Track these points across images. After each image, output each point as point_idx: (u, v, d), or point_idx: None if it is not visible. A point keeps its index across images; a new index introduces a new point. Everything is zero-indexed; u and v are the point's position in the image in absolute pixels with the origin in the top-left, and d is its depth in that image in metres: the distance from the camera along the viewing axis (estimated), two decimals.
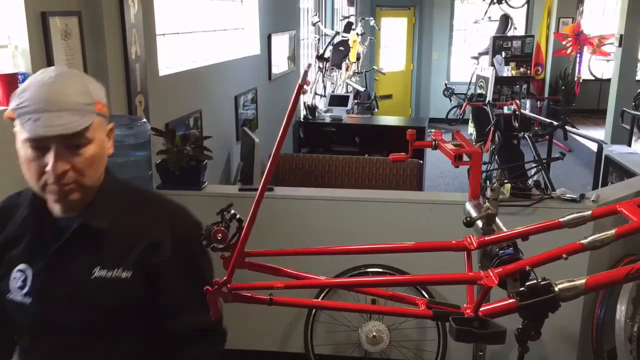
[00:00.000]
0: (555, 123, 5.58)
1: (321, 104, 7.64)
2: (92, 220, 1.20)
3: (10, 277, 1.23)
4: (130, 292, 1.17)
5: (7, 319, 1.25)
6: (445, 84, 11.14)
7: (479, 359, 2.30)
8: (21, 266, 1.22)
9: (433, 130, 2.60)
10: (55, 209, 1.19)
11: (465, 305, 0.91)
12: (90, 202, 1.21)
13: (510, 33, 10.71)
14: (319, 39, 8.11)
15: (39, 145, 1.12)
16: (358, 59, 8.56)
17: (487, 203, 1.76)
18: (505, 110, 6.76)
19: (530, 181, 3.78)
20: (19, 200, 1.30)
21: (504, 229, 1.33)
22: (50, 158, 1.12)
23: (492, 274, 0.86)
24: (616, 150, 4.44)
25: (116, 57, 2.71)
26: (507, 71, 10.31)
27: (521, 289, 0.82)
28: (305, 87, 0.86)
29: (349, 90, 8.54)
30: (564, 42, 9.74)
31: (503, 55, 10.23)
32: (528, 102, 10.08)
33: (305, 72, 0.86)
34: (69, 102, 1.12)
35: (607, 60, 10.29)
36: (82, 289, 1.19)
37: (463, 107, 7.01)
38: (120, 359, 1.24)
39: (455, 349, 2.99)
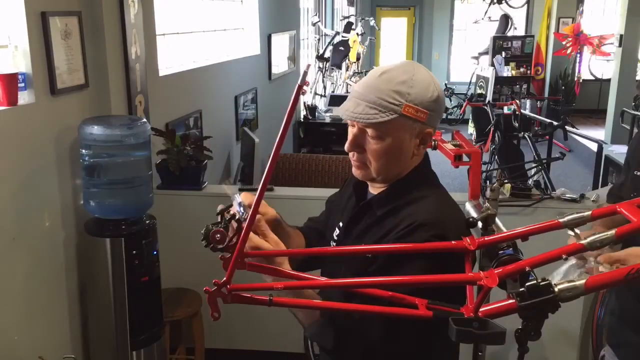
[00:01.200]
0: (555, 123, 5.58)
1: (321, 104, 7.64)
2: (375, 204, 1.34)
3: (335, 227, 1.46)
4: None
5: None
6: (445, 84, 11.13)
7: (479, 359, 2.29)
8: (340, 222, 1.45)
9: None
10: (355, 173, 1.37)
11: (465, 305, 0.91)
12: (387, 188, 1.34)
13: (510, 33, 10.71)
14: (319, 39, 8.11)
15: (351, 122, 1.29)
16: (358, 59, 8.56)
17: (487, 203, 1.76)
18: (505, 110, 6.76)
19: (530, 181, 3.78)
20: None
21: (504, 229, 1.33)
22: (350, 134, 1.29)
23: (491, 275, 0.86)
24: (616, 150, 4.45)
25: (116, 57, 2.71)
26: (507, 71, 10.31)
27: (521, 289, 0.82)
28: (304, 87, 0.86)
29: (349, 90, 8.54)
30: (564, 42, 9.74)
31: (503, 55, 10.23)
32: (528, 102, 10.07)
33: (305, 73, 0.85)
34: (374, 97, 1.22)
35: (607, 60, 10.29)
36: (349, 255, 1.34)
37: (463, 107, 7.02)
38: None
39: None
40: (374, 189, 1.38)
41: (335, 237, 1.45)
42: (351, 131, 1.29)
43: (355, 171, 1.35)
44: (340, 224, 1.45)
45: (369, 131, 1.25)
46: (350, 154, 1.33)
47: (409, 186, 1.32)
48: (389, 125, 1.23)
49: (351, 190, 1.45)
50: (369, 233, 1.32)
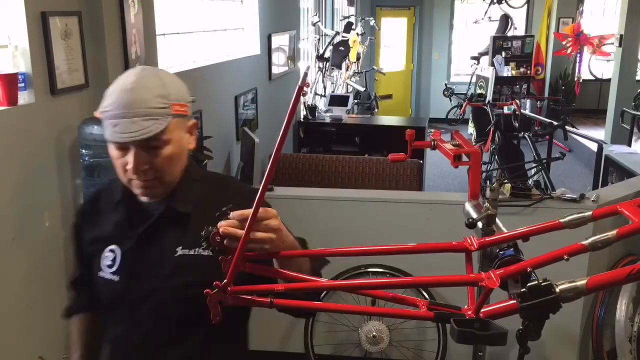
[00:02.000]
0: (555, 123, 5.58)
1: (321, 104, 7.63)
2: (177, 205, 1.32)
3: (101, 256, 1.36)
4: (209, 268, 1.13)
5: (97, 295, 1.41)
6: (445, 84, 11.13)
7: (479, 359, 2.30)
8: (112, 247, 1.35)
9: (432, 130, 2.60)
10: (142, 198, 1.33)
11: (466, 306, 0.91)
12: (174, 188, 1.33)
13: (510, 33, 10.70)
14: (319, 39, 8.10)
15: (121, 146, 1.25)
16: (358, 59, 8.56)
17: (486, 203, 1.75)
18: (505, 110, 6.76)
19: (530, 181, 3.78)
20: (113, 186, 1.42)
21: (504, 229, 1.33)
22: (130, 158, 1.24)
23: (493, 276, 0.85)
24: (616, 150, 4.45)
25: (116, 57, 2.70)
26: (507, 71, 10.30)
27: (522, 290, 0.82)
28: (305, 88, 0.86)
29: (349, 90, 8.54)
30: (564, 42, 9.74)
31: (503, 55, 10.22)
32: (528, 102, 10.07)
33: (305, 74, 0.85)
34: (144, 108, 1.21)
35: (607, 60, 10.29)
36: (165, 265, 1.31)
37: (463, 107, 7.01)
38: (193, 325, 1.33)
39: (455, 349, 2.99)
40: (150, 200, 1.33)
41: (115, 265, 1.35)
42: (131, 154, 1.24)
43: (145, 192, 1.30)
44: (116, 249, 1.35)
45: (151, 143, 1.23)
46: (140, 179, 1.27)
47: (199, 177, 1.38)
48: (168, 130, 1.23)
49: (112, 213, 1.39)
50: (181, 237, 1.30)
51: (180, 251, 1.30)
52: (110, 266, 1.35)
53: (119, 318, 1.37)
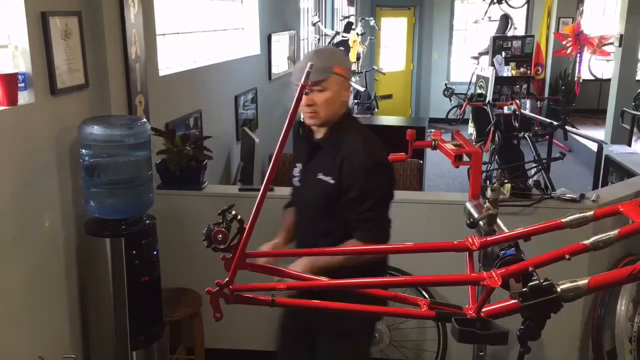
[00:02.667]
0: (555, 123, 5.58)
1: None
2: (324, 142, 1.95)
3: (293, 171, 2.07)
4: (332, 190, 1.87)
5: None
6: (445, 84, 11.12)
7: (480, 359, 2.29)
8: (298, 165, 2.06)
9: (433, 130, 2.60)
10: (308, 123, 1.96)
11: (467, 306, 0.91)
12: (328, 132, 1.93)
13: (510, 33, 10.70)
14: (319, 39, 8.10)
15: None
16: (358, 59, 8.55)
17: (487, 203, 1.75)
18: (505, 110, 6.75)
19: (530, 181, 3.77)
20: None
21: (505, 229, 1.33)
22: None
23: (495, 275, 0.85)
24: (616, 150, 4.45)
25: (116, 57, 2.70)
26: (507, 71, 10.30)
27: (523, 289, 0.82)
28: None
29: None
30: (564, 42, 9.73)
31: (503, 55, 10.22)
32: (528, 102, 10.06)
33: (308, 73, 0.85)
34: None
35: (607, 60, 10.29)
36: (314, 183, 1.93)
37: (463, 107, 7.01)
38: (328, 227, 1.87)
39: (456, 348, 2.99)
40: (315, 131, 1.97)
41: (298, 175, 2.05)
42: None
43: (311, 123, 1.93)
44: (300, 166, 2.03)
45: (315, 87, 1.81)
46: (307, 111, 1.87)
47: (346, 126, 1.93)
48: (326, 81, 1.83)
49: (303, 142, 2.02)
50: (322, 166, 1.91)
51: (320, 176, 1.89)
52: (298, 177, 2.04)
53: (296, 212, 2.08)
